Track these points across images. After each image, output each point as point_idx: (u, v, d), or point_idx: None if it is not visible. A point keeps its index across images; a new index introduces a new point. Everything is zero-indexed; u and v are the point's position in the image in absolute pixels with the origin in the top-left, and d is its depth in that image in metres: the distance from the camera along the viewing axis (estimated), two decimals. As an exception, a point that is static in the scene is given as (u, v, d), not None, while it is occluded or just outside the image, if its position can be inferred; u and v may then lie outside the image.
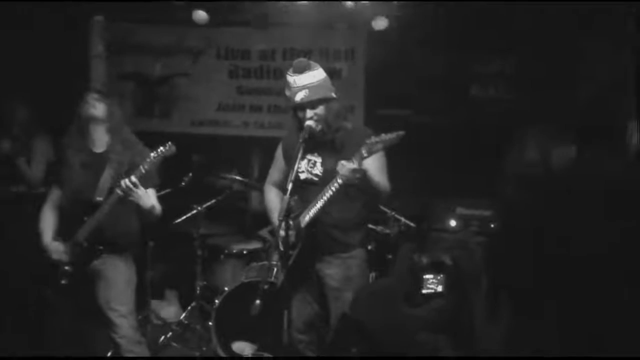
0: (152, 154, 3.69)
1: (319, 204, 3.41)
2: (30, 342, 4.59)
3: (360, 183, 3.28)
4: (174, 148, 3.73)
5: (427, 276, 4.43)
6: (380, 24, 6.19)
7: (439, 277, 4.44)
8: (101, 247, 3.87)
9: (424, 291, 4.46)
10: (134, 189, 3.68)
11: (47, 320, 4.37)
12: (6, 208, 5.23)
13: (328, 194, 3.35)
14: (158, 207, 3.94)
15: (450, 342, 4.06)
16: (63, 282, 3.85)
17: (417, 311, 4.26)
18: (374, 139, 3.14)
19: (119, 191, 3.70)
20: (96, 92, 3.94)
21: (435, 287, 4.44)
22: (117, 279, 3.91)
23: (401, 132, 3.10)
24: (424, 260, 4.56)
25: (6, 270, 4.91)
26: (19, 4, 5.71)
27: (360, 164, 3.19)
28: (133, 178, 3.67)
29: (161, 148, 3.71)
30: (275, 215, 3.72)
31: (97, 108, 3.86)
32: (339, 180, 3.25)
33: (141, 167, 3.68)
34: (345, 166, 3.19)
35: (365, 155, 3.16)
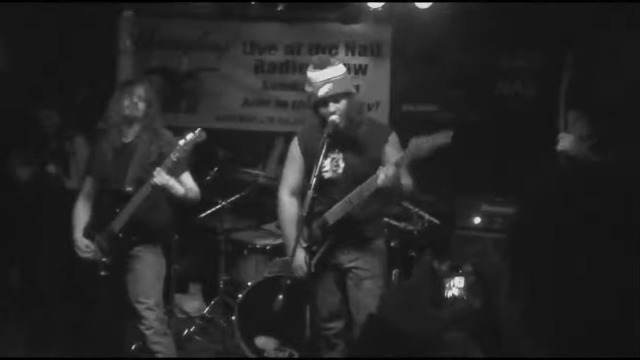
0: (181, 142, 3.71)
1: (351, 204, 3.42)
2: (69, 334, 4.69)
3: (392, 189, 3.30)
4: (204, 134, 3.73)
5: (447, 280, 4.50)
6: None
7: (459, 281, 4.52)
8: (136, 237, 3.90)
9: (446, 295, 4.53)
10: (166, 182, 3.70)
11: (87, 313, 4.44)
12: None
13: (362, 197, 3.37)
14: (195, 189, 3.96)
15: (478, 343, 4.11)
16: (102, 273, 3.90)
17: (442, 312, 4.35)
18: (422, 139, 3.15)
19: (152, 182, 3.70)
20: (140, 87, 3.95)
21: (456, 291, 4.51)
22: (146, 272, 3.94)
23: (449, 132, 3.10)
24: (444, 267, 4.64)
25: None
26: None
27: (400, 166, 3.23)
28: (163, 170, 3.69)
29: (190, 135, 3.71)
30: (288, 229, 3.73)
31: (139, 109, 3.90)
32: (377, 185, 3.27)
33: (172, 155, 3.69)
34: (386, 174, 3.22)
35: (411, 157, 3.20)
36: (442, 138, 3.13)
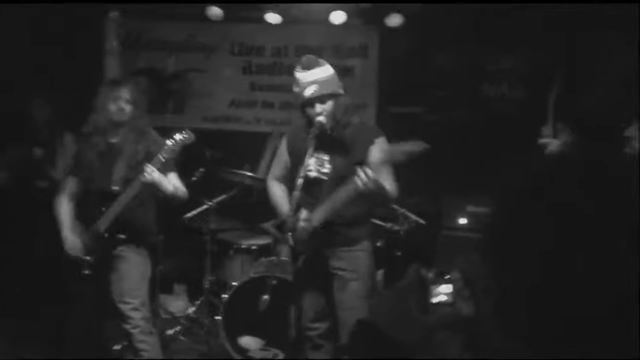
0: (169, 142, 3.69)
1: (335, 205, 3.40)
2: (51, 334, 4.67)
3: (373, 191, 3.28)
4: (192, 135, 3.72)
5: (434, 287, 4.60)
6: (394, 20, 6.20)
7: (446, 288, 4.62)
8: (122, 237, 3.87)
9: (433, 301, 4.63)
10: (156, 178, 3.69)
11: (69, 313, 4.42)
12: (31, 203, 5.30)
13: (344, 196, 3.34)
14: (182, 189, 3.95)
15: (463, 343, 4.23)
16: (86, 272, 3.87)
17: (429, 318, 4.45)
18: (393, 147, 3.15)
19: (142, 179, 3.68)
20: (125, 89, 3.91)
21: (443, 297, 4.61)
22: (131, 272, 3.92)
23: (426, 145, 3.10)
24: (430, 274, 4.74)
25: (31, 263, 5.00)
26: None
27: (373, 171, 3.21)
28: (153, 167, 3.67)
29: (178, 136, 3.69)
30: (283, 209, 3.72)
31: (126, 113, 3.88)
32: (357, 186, 3.23)
33: (160, 155, 3.68)
34: (366, 174, 3.18)
35: (383, 162, 3.19)
36: (412, 147, 3.12)
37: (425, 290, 4.72)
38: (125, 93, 3.89)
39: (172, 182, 3.89)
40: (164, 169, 3.76)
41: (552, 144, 4.07)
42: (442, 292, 4.68)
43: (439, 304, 4.67)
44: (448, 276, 4.77)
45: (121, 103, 3.86)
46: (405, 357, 3.77)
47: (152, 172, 3.66)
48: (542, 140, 4.65)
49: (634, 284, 1.36)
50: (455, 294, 4.69)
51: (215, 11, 6.35)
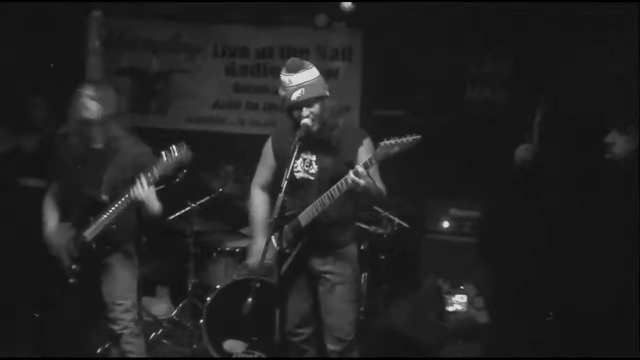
0: (164, 156, 3.51)
1: (323, 205, 3.40)
2: (32, 339, 4.65)
3: (365, 189, 3.28)
4: (190, 154, 3.52)
5: (450, 297, 4.77)
6: (377, 23, 6.18)
7: (461, 297, 5.03)
8: (109, 247, 3.82)
9: (449, 309, 5.01)
10: (144, 196, 3.59)
11: (51, 317, 4.37)
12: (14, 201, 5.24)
13: (333, 196, 3.35)
14: (159, 206, 3.89)
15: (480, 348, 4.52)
16: (71, 281, 3.81)
17: (447, 323, 4.94)
18: (391, 141, 3.13)
19: (132, 195, 3.55)
20: (90, 87, 3.73)
21: (458, 306, 5.05)
22: (123, 275, 3.88)
23: (418, 136, 3.09)
24: (446, 285, 4.91)
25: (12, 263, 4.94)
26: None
27: (369, 167, 3.20)
28: (144, 184, 3.54)
29: (175, 153, 3.49)
30: (258, 223, 3.75)
31: (90, 108, 3.69)
32: (348, 182, 3.22)
33: (155, 170, 3.52)
34: (359, 173, 3.18)
35: (380, 158, 3.17)
36: (409, 140, 3.13)
37: (441, 300, 5.07)
38: (89, 90, 3.68)
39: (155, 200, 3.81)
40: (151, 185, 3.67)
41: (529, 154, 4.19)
42: (457, 302, 4.92)
43: (455, 312, 4.90)
44: (462, 287, 5.00)
45: (85, 100, 3.67)
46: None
47: (142, 189, 3.54)
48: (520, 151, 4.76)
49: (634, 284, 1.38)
50: (469, 303, 4.92)
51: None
